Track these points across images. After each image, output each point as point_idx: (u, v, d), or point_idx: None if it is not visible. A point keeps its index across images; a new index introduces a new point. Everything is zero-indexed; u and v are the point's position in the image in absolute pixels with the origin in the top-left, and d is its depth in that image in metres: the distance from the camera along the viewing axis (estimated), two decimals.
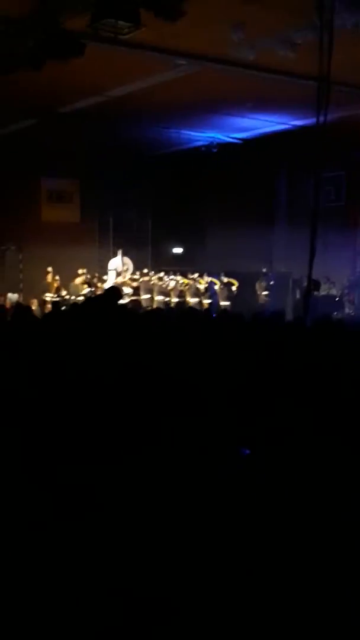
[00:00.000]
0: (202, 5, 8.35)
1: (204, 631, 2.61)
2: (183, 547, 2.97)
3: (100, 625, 2.62)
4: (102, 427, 3.78)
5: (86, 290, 18.13)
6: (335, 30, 7.94)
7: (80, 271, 18.45)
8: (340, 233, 16.86)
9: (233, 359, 4.97)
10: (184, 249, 21.54)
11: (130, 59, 10.94)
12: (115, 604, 2.68)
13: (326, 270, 15.57)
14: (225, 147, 17.77)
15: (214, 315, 8.86)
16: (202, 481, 3.41)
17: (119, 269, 19.15)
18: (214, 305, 17.49)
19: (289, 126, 15.87)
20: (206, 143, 17.99)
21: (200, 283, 18.52)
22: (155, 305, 17.29)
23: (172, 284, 18.65)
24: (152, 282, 18.79)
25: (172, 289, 18.50)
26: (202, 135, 17.44)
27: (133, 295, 18.29)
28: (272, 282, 18.09)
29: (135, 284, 18.67)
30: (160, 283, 18.72)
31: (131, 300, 17.77)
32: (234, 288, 18.14)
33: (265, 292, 18.11)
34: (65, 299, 17.47)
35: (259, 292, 18.25)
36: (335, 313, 15.35)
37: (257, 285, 18.34)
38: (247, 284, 18.28)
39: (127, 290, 18.05)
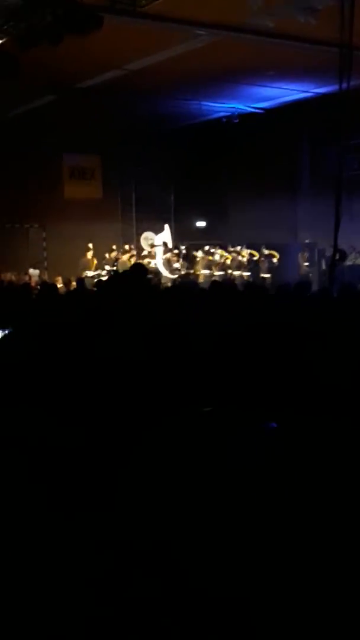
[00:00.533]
0: None
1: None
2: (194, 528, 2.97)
3: (100, 623, 2.61)
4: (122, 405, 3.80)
5: (176, 264, 17.86)
6: None
7: (114, 246, 18.37)
8: None
9: (256, 333, 4.95)
10: (207, 222, 21.43)
11: (149, 31, 10.84)
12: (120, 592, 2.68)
13: (352, 240, 15.40)
14: (246, 118, 17.57)
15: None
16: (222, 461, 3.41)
17: (169, 244, 18.67)
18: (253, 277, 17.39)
19: (311, 94, 15.64)
20: (227, 114, 17.79)
21: (242, 256, 18.35)
22: (202, 280, 16.96)
23: (216, 257, 18.44)
24: (198, 258, 18.50)
25: (217, 263, 18.30)
26: (223, 107, 17.24)
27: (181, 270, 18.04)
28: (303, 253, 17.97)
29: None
30: (208, 257, 18.50)
31: (181, 276, 17.44)
32: (275, 260, 17.94)
33: (307, 264, 17.97)
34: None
35: (301, 263, 18.09)
36: None
37: (300, 256, 18.16)
38: (288, 256, 18.11)
39: (176, 265, 17.97)
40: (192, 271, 17.94)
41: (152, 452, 3.43)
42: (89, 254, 17.80)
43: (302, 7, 9.47)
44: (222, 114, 17.86)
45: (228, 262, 18.32)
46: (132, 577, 2.73)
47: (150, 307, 5.62)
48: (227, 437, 3.63)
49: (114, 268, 17.56)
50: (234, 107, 17.31)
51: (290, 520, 2.98)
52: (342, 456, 3.40)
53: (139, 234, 20.11)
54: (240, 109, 17.35)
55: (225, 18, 10.49)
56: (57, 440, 3.54)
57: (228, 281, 14.48)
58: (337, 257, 9.01)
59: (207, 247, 18.73)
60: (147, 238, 19.49)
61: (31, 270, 17.38)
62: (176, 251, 18.58)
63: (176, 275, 17.50)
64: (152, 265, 17.94)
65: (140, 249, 19.27)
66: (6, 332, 5.42)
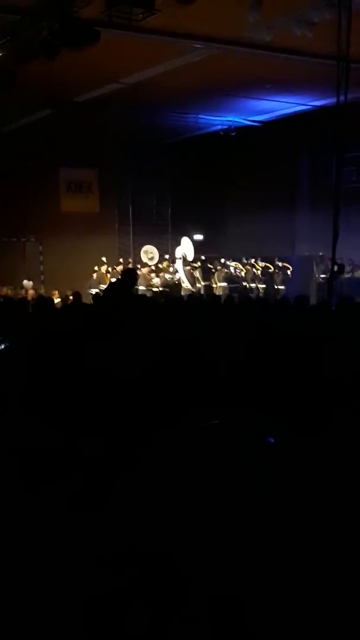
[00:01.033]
0: None
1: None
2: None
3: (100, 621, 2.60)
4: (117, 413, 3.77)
5: (155, 279, 17.85)
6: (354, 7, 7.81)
7: (104, 259, 18.13)
8: None
9: (255, 343, 4.92)
10: (204, 235, 21.44)
11: (146, 45, 10.84)
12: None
13: (349, 253, 15.37)
14: (244, 131, 17.61)
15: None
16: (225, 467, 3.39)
17: (188, 257, 18.60)
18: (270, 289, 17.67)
19: (309, 107, 15.67)
20: (224, 127, 17.84)
21: (257, 268, 18.52)
22: (221, 292, 17.01)
23: (232, 269, 18.58)
24: (214, 270, 18.58)
25: (232, 276, 18.42)
26: (220, 120, 17.29)
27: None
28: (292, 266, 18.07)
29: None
30: (224, 270, 18.59)
31: (162, 290, 17.42)
32: (289, 272, 18.18)
33: (323, 275, 18.01)
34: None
35: (316, 275, 18.12)
36: None
37: (315, 268, 18.20)
38: (303, 267, 18.14)
39: (197, 274, 18.11)
40: (208, 283, 18.13)
41: (152, 462, 3.42)
42: (103, 268, 17.68)
43: (298, 20, 9.49)
44: (219, 127, 17.91)
45: (243, 274, 18.53)
46: (132, 578, 2.71)
47: (148, 316, 5.59)
48: (227, 450, 3.61)
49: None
50: (231, 120, 17.35)
51: (290, 523, 2.98)
52: (339, 466, 3.38)
53: (136, 247, 20.10)
54: (237, 122, 17.39)
55: (222, 31, 10.50)
56: (58, 448, 3.54)
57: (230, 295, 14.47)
58: (336, 269, 8.96)
59: (222, 260, 18.89)
60: (147, 251, 19.47)
61: (25, 282, 17.30)
62: (198, 264, 18.63)
63: (198, 288, 17.72)
64: (167, 277, 18.07)
65: (139, 262, 19.21)
66: (2, 346, 5.38)
